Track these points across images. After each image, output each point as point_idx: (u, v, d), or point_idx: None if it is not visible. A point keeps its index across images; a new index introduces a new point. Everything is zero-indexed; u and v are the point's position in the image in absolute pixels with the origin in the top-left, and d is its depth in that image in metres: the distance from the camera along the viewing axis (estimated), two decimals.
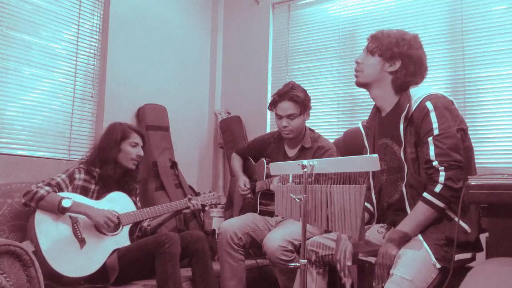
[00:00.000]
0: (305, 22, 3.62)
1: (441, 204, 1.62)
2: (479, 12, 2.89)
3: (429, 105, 1.69)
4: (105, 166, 2.39)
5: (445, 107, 1.69)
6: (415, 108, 1.72)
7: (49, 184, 2.23)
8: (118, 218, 2.35)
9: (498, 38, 2.81)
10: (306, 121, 2.58)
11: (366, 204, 1.92)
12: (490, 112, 2.80)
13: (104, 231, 2.27)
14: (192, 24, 3.81)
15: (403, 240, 1.65)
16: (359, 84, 1.92)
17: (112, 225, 2.25)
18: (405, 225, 1.67)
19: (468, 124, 1.78)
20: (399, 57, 1.81)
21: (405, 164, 1.76)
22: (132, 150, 2.45)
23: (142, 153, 2.50)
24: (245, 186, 2.71)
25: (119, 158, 2.42)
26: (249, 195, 2.71)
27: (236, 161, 2.88)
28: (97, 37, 3.10)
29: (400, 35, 1.84)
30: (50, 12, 2.82)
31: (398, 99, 1.83)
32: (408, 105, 1.75)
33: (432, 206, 1.63)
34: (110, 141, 2.42)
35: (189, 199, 2.53)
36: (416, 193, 1.72)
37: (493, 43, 2.83)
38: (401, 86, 1.83)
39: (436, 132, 1.66)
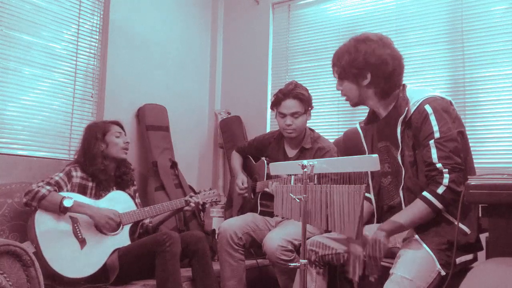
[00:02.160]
0: (305, 22, 3.62)
1: (439, 206, 1.63)
2: (479, 12, 2.89)
3: (428, 108, 1.68)
4: (93, 162, 2.39)
5: (443, 109, 1.69)
6: (414, 112, 1.72)
7: (49, 183, 2.24)
8: (119, 217, 2.36)
9: (498, 38, 2.81)
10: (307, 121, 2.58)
11: (368, 195, 1.92)
12: (490, 112, 2.80)
13: (105, 231, 2.27)
14: (192, 24, 3.81)
15: (396, 230, 1.65)
16: (354, 106, 1.93)
17: (113, 225, 2.25)
18: (400, 218, 1.67)
19: (468, 124, 1.78)
20: (363, 71, 1.78)
21: (403, 167, 1.76)
22: (118, 140, 2.46)
23: (128, 140, 2.53)
24: (242, 184, 2.69)
25: (109, 151, 2.43)
26: (246, 194, 2.70)
27: (236, 160, 2.87)
28: (97, 37, 3.10)
29: (352, 47, 1.79)
30: (50, 12, 2.82)
31: (394, 103, 1.83)
32: (406, 108, 1.75)
33: (431, 206, 1.63)
34: (92, 139, 2.43)
35: (190, 197, 2.53)
36: (414, 197, 1.72)
37: (493, 43, 2.83)
38: (386, 93, 1.82)
39: (437, 135, 1.66)
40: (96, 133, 2.44)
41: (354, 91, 1.85)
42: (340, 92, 1.91)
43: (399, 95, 1.82)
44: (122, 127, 2.55)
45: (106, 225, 2.25)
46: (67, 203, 2.17)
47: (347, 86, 1.85)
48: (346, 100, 1.91)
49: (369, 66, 1.76)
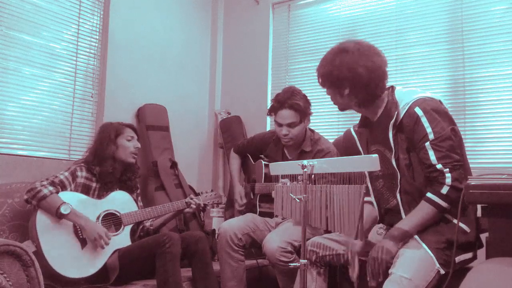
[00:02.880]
0: (305, 22, 3.62)
1: (445, 205, 1.63)
2: (479, 12, 2.89)
3: (418, 110, 1.69)
4: (103, 163, 2.39)
5: (434, 109, 1.70)
6: (404, 115, 1.73)
7: (53, 183, 2.23)
8: (119, 218, 2.36)
9: (498, 38, 2.81)
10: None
11: (370, 199, 1.92)
12: (490, 112, 2.80)
13: (90, 245, 2.22)
14: (192, 24, 3.81)
15: (403, 237, 1.65)
16: (341, 110, 1.95)
17: (100, 244, 2.20)
18: (405, 224, 1.67)
19: (468, 124, 1.78)
20: (340, 83, 1.78)
21: (398, 171, 1.76)
22: (129, 144, 2.47)
23: (139, 145, 2.53)
24: (241, 200, 2.70)
25: (118, 154, 2.43)
26: (244, 210, 2.72)
27: (235, 163, 2.86)
28: (97, 37, 3.10)
29: (329, 59, 1.79)
30: (50, 12, 2.82)
31: (384, 106, 1.83)
32: (396, 112, 1.75)
33: (437, 207, 1.63)
34: (105, 139, 2.44)
35: (191, 198, 2.53)
36: (412, 199, 1.72)
37: (493, 43, 2.83)
38: (368, 102, 1.83)
39: (431, 136, 1.66)
40: (109, 134, 2.45)
41: (337, 99, 1.87)
42: None
43: (388, 99, 1.82)
44: (135, 131, 2.55)
45: (93, 242, 2.19)
46: (64, 210, 2.16)
47: (331, 94, 1.88)
48: (334, 104, 1.92)
49: (344, 79, 1.76)
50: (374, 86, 1.76)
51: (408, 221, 1.67)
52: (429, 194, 1.65)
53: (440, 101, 1.77)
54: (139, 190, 2.64)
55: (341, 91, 1.80)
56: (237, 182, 2.80)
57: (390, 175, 1.82)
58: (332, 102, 1.92)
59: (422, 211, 1.65)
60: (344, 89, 1.79)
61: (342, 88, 1.79)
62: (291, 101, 2.42)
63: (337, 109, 1.94)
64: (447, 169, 1.63)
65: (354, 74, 1.73)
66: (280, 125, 2.48)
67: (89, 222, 2.23)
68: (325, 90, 1.91)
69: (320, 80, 1.86)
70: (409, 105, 1.72)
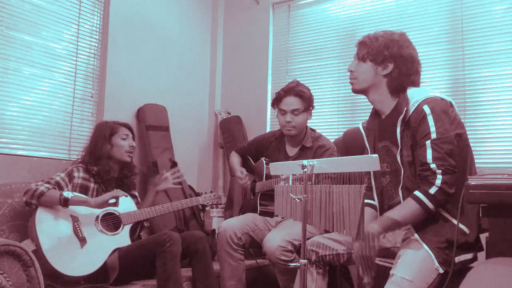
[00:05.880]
0: (305, 22, 3.62)
1: (431, 206, 1.62)
2: (479, 12, 2.89)
3: (426, 108, 1.69)
4: (99, 162, 2.40)
5: (442, 110, 1.69)
6: (413, 111, 1.72)
7: (48, 183, 2.24)
8: (119, 218, 2.36)
9: (498, 38, 2.81)
10: (308, 121, 2.58)
11: (371, 201, 1.92)
12: (490, 112, 2.80)
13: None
14: (192, 24, 3.81)
15: (391, 226, 1.64)
16: (356, 91, 1.93)
17: (114, 200, 2.22)
18: (393, 215, 1.66)
19: (468, 124, 1.78)
20: (390, 59, 1.81)
21: (402, 167, 1.76)
22: (124, 143, 2.47)
23: (134, 144, 2.53)
24: (242, 173, 2.67)
25: (113, 153, 2.45)
26: (249, 182, 2.69)
27: (235, 159, 2.86)
28: (97, 37, 3.10)
29: (388, 36, 1.83)
30: (50, 12, 2.82)
31: (396, 102, 1.83)
32: (405, 108, 1.75)
33: (422, 206, 1.62)
34: (100, 138, 2.45)
35: (190, 199, 2.54)
36: None
37: (493, 43, 2.83)
38: (397, 88, 1.83)
39: (434, 136, 1.66)
40: (104, 133, 2.46)
41: (368, 76, 1.84)
42: (350, 74, 1.90)
43: (400, 96, 1.82)
44: (131, 130, 2.56)
45: (104, 203, 2.20)
46: (67, 194, 2.18)
47: (365, 68, 1.85)
48: (352, 83, 1.89)
49: (396, 57, 1.80)
50: (414, 71, 1.84)
51: (397, 212, 1.67)
52: (417, 192, 1.64)
53: (451, 103, 1.76)
54: (136, 188, 2.64)
55: (382, 68, 1.81)
56: (239, 167, 2.77)
57: (395, 171, 1.82)
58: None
59: (407, 207, 1.65)
60: (385, 67, 1.81)
61: (385, 65, 1.81)
62: (297, 89, 2.50)
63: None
64: (440, 171, 1.62)
65: (409, 53, 1.81)
66: (284, 112, 2.52)
67: (92, 200, 2.22)
68: (350, 66, 1.90)
69: (364, 51, 1.84)
70: (418, 102, 1.72)
